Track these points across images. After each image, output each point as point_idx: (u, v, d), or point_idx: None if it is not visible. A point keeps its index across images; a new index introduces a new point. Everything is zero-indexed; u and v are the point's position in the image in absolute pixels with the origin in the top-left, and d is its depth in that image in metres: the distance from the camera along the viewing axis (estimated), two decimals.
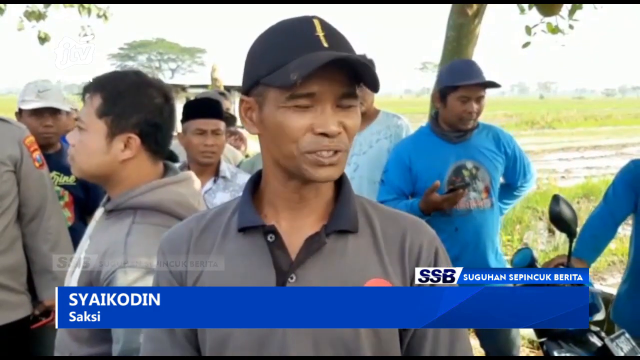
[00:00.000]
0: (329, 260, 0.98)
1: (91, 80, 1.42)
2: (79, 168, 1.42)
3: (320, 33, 0.92)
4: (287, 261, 0.98)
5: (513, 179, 2.81)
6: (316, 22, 0.94)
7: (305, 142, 0.92)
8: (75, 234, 2.04)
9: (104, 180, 1.43)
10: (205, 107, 2.57)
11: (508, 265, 2.90)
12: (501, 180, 2.81)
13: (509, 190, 2.87)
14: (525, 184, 2.85)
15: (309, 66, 0.87)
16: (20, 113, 2.80)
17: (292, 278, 0.96)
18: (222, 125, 2.56)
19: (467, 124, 2.62)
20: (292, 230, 1.00)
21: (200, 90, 9.03)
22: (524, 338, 3.99)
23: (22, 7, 5.39)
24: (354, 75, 0.93)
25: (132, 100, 1.37)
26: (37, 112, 2.73)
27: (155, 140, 1.41)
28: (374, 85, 0.94)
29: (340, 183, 1.05)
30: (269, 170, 1.02)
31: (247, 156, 3.64)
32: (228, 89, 9.72)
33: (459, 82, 2.57)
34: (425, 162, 2.66)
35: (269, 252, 0.98)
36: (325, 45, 0.92)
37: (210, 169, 2.60)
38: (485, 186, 2.64)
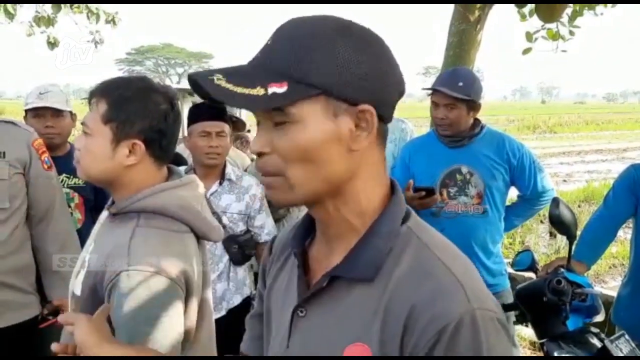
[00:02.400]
0: (329, 307, 0.87)
1: (97, 86, 1.43)
2: (84, 172, 1.43)
3: (267, 42, 0.85)
4: (304, 291, 0.91)
5: (522, 189, 2.79)
6: (275, 30, 0.85)
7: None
8: (86, 235, 2.07)
9: (108, 184, 1.44)
10: (209, 110, 2.62)
11: (508, 269, 2.92)
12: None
13: (523, 202, 2.87)
14: (540, 198, 2.79)
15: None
16: (26, 116, 2.84)
17: (301, 312, 0.90)
18: (226, 127, 2.60)
19: (443, 130, 2.68)
20: (323, 258, 0.92)
21: None
22: (524, 339, 4.02)
23: (31, 13, 5.44)
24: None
25: (137, 107, 1.38)
26: (39, 114, 2.75)
27: (160, 146, 1.42)
28: (214, 100, 0.81)
29: (386, 208, 0.88)
30: None
31: (252, 160, 3.69)
32: None
33: (432, 86, 2.68)
34: (421, 163, 2.75)
35: (297, 279, 0.93)
36: (255, 55, 0.84)
37: (216, 171, 2.64)
38: (477, 192, 2.65)
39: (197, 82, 0.80)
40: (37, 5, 5.46)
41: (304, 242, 0.95)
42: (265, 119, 0.83)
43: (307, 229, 0.96)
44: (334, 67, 0.78)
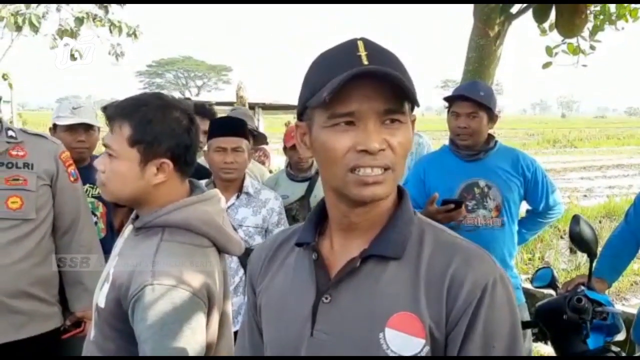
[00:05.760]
0: (362, 285, 0.96)
1: (115, 108, 1.44)
2: (112, 194, 1.47)
3: (362, 52, 0.92)
4: (326, 280, 1.00)
5: (534, 203, 2.80)
6: (360, 42, 0.93)
7: (348, 160, 0.92)
8: (109, 244, 2.11)
9: (137, 204, 1.48)
10: (225, 126, 2.65)
11: (527, 285, 2.90)
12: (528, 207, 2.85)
13: (533, 216, 2.88)
14: (550, 212, 2.82)
15: (337, 83, 0.88)
16: (54, 128, 2.89)
17: (326, 298, 0.98)
18: (243, 142, 2.62)
19: (463, 140, 2.69)
20: (340, 250, 1.01)
21: (227, 108, 9.08)
22: (544, 357, 3.96)
23: (55, 26, 5.57)
24: (398, 91, 0.91)
25: (162, 128, 1.41)
26: (71, 128, 2.82)
27: (185, 161, 1.46)
28: (409, 98, 0.93)
29: (399, 205, 1.02)
30: (325, 191, 1.04)
31: (270, 171, 3.72)
32: (253, 106, 9.78)
33: (451, 96, 2.69)
34: (437, 177, 2.75)
35: (314, 270, 1.02)
36: (365, 62, 0.90)
37: (235, 184, 2.67)
38: (496, 205, 2.66)
39: None
40: (60, 18, 5.59)
41: (315, 238, 1.05)
42: (371, 120, 0.93)
43: (314, 229, 1.06)
44: None
